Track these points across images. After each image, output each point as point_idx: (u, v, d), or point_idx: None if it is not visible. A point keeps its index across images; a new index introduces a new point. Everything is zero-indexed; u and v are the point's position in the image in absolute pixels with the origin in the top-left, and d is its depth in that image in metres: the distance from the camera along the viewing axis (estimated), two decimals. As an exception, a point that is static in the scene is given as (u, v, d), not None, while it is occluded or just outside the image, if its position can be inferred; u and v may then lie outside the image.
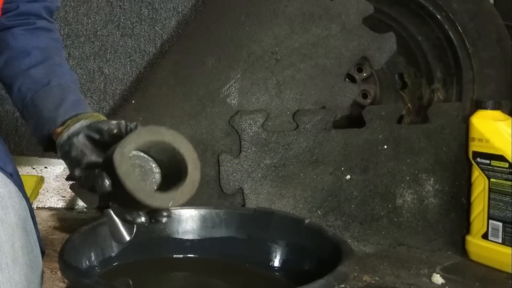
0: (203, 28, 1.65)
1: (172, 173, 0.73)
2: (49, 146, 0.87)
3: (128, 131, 0.75)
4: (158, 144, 0.71)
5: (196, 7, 1.89)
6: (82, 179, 0.75)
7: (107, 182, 0.69)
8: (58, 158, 0.81)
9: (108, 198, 0.73)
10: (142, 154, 0.73)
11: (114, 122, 0.76)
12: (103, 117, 0.83)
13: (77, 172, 0.76)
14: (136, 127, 0.74)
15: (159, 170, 0.74)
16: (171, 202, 0.70)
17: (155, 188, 0.74)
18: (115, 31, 1.87)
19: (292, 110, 1.56)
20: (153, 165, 0.74)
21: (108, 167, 0.69)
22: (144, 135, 0.70)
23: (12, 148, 1.84)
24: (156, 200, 0.69)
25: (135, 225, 0.76)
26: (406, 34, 1.76)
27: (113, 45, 1.88)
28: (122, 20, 1.88)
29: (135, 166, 0.71)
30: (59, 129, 0.82)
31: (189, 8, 1.90)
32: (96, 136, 0.76)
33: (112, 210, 0.73)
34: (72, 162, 0.77)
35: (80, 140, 0.76)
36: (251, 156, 1.54)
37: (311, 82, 1.58)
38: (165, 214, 0.73)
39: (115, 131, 0.75)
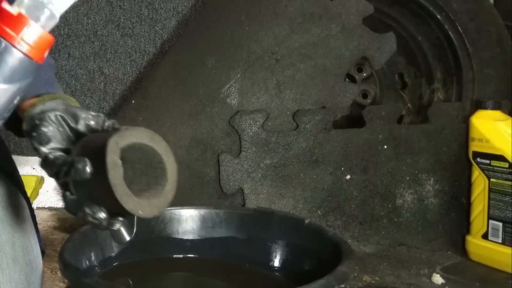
0: (203, 28, 1.65)
1: (140, 174, 0.70)
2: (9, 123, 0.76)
3: (104, 127, 0.72)
4: (140, 145, 0.68)
5: (196, 7, 1.89)
6: (48, 159, 0.69)
7: (88, 169, 0.64)
8: (21, 134, 0.74)
9: (73, 187, 0.68)
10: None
11: (93, 113, 0.72)
12: (77, 103, 0.78)
13: (45, 149, 0.70)
14: (113, 125, 0.72)
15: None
16: (145, 211, 0.67)
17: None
18: (115, 31, 1.87)
19: (292, 110, 1.56)
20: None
21: (93, 154, 0.65)
22: (137, 135, 0.67)
23: (12, 148, 1.84)
24: (131, 203, 0.65)
25: (135, 225, 0.76)
26: (406, 34, 1.76)
27: (113, 45, 1.88)
28: (122, 20, 1.88)
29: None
30: (31, 101, 0.74)
31: (189, 8, 1.90)
32: (70, 122, 0.71)
33: (68, 203, 0.68)
34: (40, 137, 0.70)
35: (53, 119, 0.71)
36: (251, 156, 1.54)
37: (311, 82, 1.58)
38: (121, 220, 0.70)
39: (92, 122, 0.72)
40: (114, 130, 0.70)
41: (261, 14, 1.59)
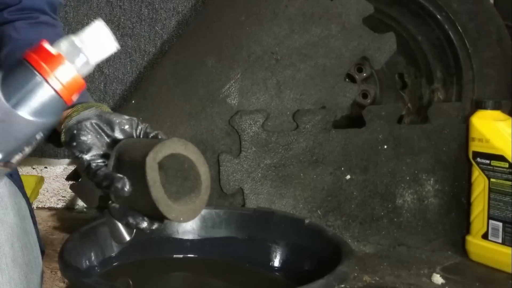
0: (203, 28, 1.65)
1: (175, 179, 0.73)
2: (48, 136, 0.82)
3: (137, 130, 0.74)
4: (177, 156, 0.71)
5: (196, 7, 1.89)
6: (91, 169, 0.71)
7: (127, 188, 0.68)
8: (60, 145, 0.76)
9: (115, 197, 0.72)
10: None
11: (126, 117, 0.74)
12: (108, 109, 0.80)
13: (87, 157, 0.72)
14: (146, 129, 0.74)
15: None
16: (184, 217, 0.71)
17: None
18: (115, 31, 1.87)
19: (292, 110, 1.56)
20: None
21: (131, 170, 0.68)
22: (171, 146, 0.69)
23: (12, 148, 1.84)
24: (173, 212, 0.69)
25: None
26: (406, 34, 1.76)
27: (113, 45, 1.88)
28: (122, 20, 1.88)
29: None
30: (66, 112, 0.76)
31: (189, 8, 1.90)
32: (106, 128, 0.74)
33: (112, 210, 0.73)
34: (80, 146, 0.72)
35: (90, 127, 0.73)
36: (251, 156, 1.54)
37: (311, 82, 1.58)
38: (160, 223, 0.73)
39: (126, 126, 0.74)
40: (150, 142, 0.71)
41: (261, 14, 1.59)
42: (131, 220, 0.71)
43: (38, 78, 0.56)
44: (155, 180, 0.67)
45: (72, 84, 0.57)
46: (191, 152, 0.72)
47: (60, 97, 0.57)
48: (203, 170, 0.73)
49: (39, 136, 0.59)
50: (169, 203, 0.69)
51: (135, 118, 0.74)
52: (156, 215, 0.69)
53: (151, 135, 0.75)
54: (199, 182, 0.73)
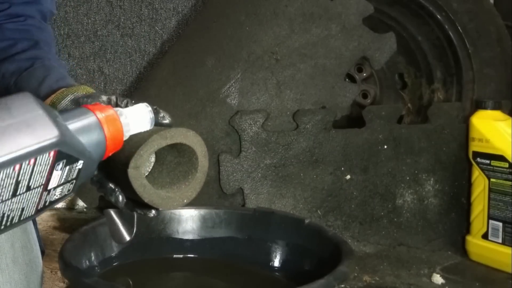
0: (203, 28, 1.65)
1: (172, 165, 0.74)
2: None
3: (120, 105, 0.73)
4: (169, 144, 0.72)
5: (196, 7, 1.89)
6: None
7: (121, 200, 0.69)
8: None
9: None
10: None
11: (104, 97, 0.72)
12: (91, 90, 0.77)
13: None
14: (127, 104, 0.72)
15: (154, 159, 0.75)
16: (184, 201, 0.72)
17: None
18: (115, 31, 1.87)
19: (292, 110, 1.56)
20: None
21: (118, 173, 0.68)
22: (158, 142, 0.69)
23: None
24: (171, 203, 0.71)
25: (135, 225, 0.76)
26: (406, 34, 1.76)
27: (113, 45, 1.88)
28: (122, 20, 1.88)
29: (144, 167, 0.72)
30: (48, 99, 0.76)
31: (189, 8, 1.90)
32: None
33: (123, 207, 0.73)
34: None
35: None
36: (251, 156, 1.54)
37: (311, 82, 1.58)
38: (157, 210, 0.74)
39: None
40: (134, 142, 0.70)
41: (261, 14, 1.59)
42: (140, 212, 0.72)
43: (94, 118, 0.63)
44: (144, 185, 0.67)
45: (115, 134, 0.64)
46: (181, 139, 0.72)
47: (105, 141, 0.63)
48: (199, 150, 0.73)
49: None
50: (164, 196, 0.70)
51: (113, 96, 0.72)
52: (149, 206, 0.71)
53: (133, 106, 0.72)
54: (195, 163, 0.73)
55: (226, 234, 1.10)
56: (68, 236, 0.96)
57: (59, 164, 0.58)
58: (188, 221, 1.09)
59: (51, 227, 1.74)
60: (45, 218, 1.80)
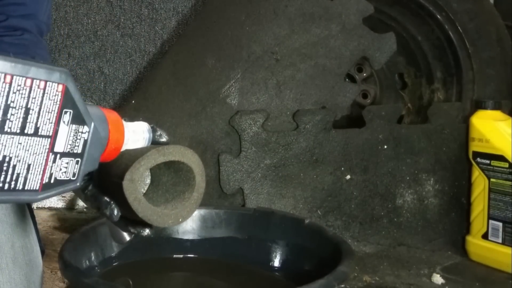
0: (203, 28, 1.65)
1: (166, 179, 0.73)
2: None
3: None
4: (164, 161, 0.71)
5: (196, 7, 1.89)
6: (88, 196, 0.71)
7: (115, 214, 0.68)
8: None
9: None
10: None
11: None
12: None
13: None
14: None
15: (149, 180, 0.75)
16: (180, 220, 0.72)
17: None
18: (115, 31, 1.87)
19: (292, 110, 1.56)
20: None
21: (113, 187, 0.68)
22: (153, 159, 0.68)
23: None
24: (166, 220, 0.70)
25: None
26: (406, 34, 1.76)
27: (113, 45, 1.88)
28: (122, 20, 1.88)
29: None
30: None
31: (189, 8, 1.90)
32: None
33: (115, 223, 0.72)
34: None
35: None
36: (251, 156, 1.54)
37: (311, 82, 1.58)
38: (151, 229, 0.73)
39: None
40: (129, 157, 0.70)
41: (261, 14, 1.59)
42: (132, 230, 0.72)
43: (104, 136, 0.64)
44: (139, 200, 0.67)
45: (116, 137, 0.66)
46: (178, 157, 0.71)
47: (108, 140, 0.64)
48: (197, 170, 0.72)
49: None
50: (159, 213, 0.69)
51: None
52: (147, 224, 0.70)
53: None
54: (192, 182, 0.73)
55: (226, 234, 1.10)
56: (68, 236, 0.96)
57: (66, 113, 0.57)
58: (188, 221, 1.09)
59: (51, 227, 1.74)
60: (45, 218, 1.80)
